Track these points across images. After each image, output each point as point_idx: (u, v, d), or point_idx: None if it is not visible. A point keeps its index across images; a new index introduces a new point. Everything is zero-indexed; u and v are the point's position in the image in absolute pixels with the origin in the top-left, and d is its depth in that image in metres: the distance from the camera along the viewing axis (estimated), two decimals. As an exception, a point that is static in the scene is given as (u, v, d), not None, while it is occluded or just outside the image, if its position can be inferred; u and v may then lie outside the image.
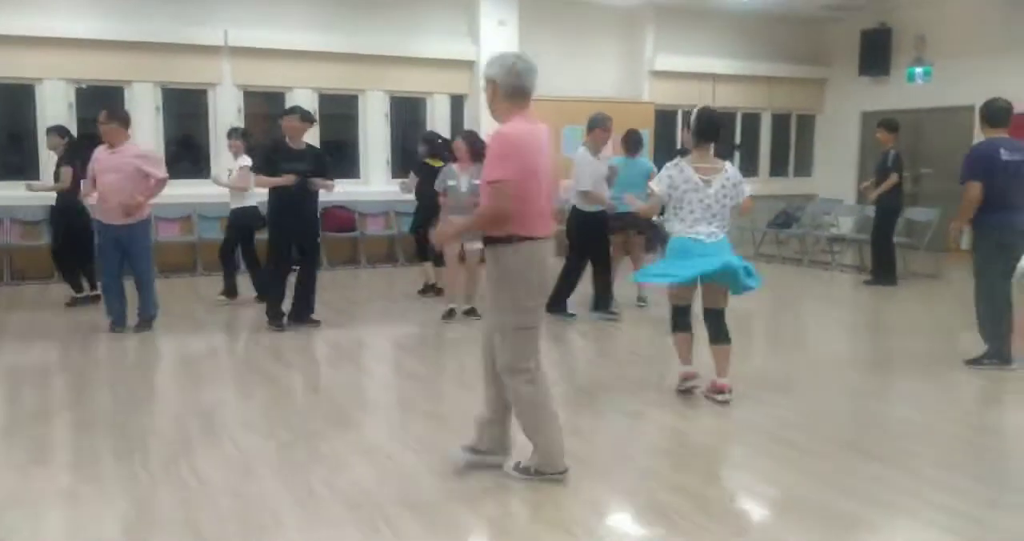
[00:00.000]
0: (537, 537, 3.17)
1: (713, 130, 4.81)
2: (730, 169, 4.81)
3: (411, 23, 10.89)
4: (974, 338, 5.77)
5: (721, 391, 4.79)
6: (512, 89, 3.54)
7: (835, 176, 13.50)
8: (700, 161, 4.77)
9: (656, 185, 4.79)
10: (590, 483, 3.65)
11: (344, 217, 10.63)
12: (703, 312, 4.87)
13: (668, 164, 4.83)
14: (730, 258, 4.62)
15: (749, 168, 13.78)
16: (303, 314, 6.96)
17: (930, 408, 4.90)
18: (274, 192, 6.76)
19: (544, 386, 3.57)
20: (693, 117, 4.81)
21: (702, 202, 4.67)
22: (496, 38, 11.14)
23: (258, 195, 7.59)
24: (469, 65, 11.27)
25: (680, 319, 4.96)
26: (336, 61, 10.56)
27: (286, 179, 6.59)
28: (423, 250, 8.39)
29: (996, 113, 5.64)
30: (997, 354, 5.60)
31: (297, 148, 6.79)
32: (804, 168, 14.25)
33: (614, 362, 6.19)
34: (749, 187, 4.91)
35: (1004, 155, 5.49)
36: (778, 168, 14.08)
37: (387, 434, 4.39)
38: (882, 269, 9.33)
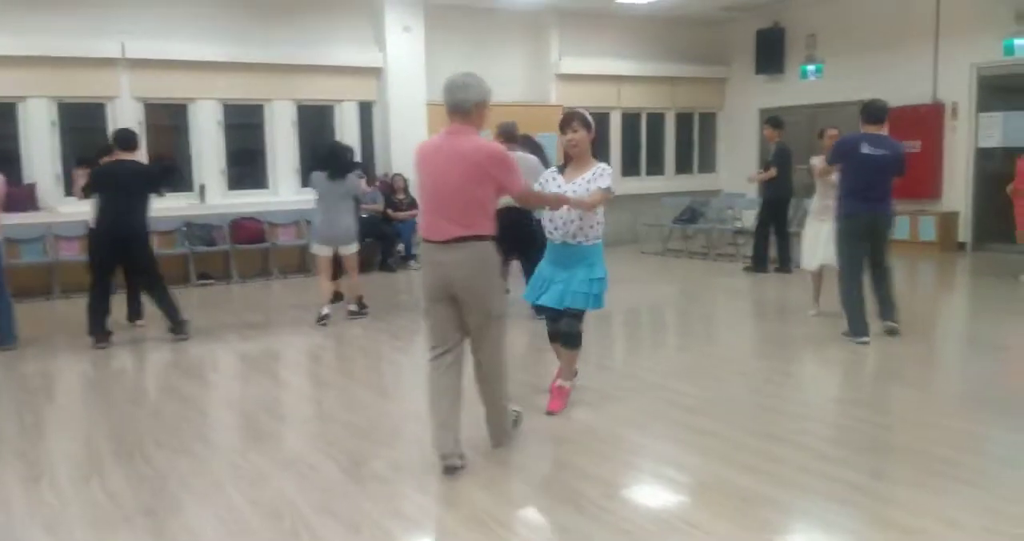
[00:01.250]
0: (456, 534, 3.25)
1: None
2: (598, 169, 4.52)
3: (316, 31, 10.83)
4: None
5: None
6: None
7: (737, 171, 13.90)
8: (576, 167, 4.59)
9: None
10: (504, 477, 3.75)
11: (253, 228, 10.49)
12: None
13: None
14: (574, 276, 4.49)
15: (655, 167, 14.16)
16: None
17: (815, 387, 5.18)
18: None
19: None
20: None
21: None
22: (402, 45, 11.20)
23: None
24: (376, 72, 11.27)
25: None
26: (240, 71, 10.42)
27: None
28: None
29: (870, 111, 6.23)
30: (853, 330, 6.17)
31: None
32: (708, 165, 14.68)
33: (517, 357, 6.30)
34: (608, 182, 4.46)
35: (865, 149, 6.09)
36: (683, 166, 14.47)
37: (307, 445, 4.39)
38: (764, 257, 10.01)
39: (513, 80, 12.27)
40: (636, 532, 3.20)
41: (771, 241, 10.03)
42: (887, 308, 6.34)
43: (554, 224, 4.54)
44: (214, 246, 10.29)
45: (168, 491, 3.71)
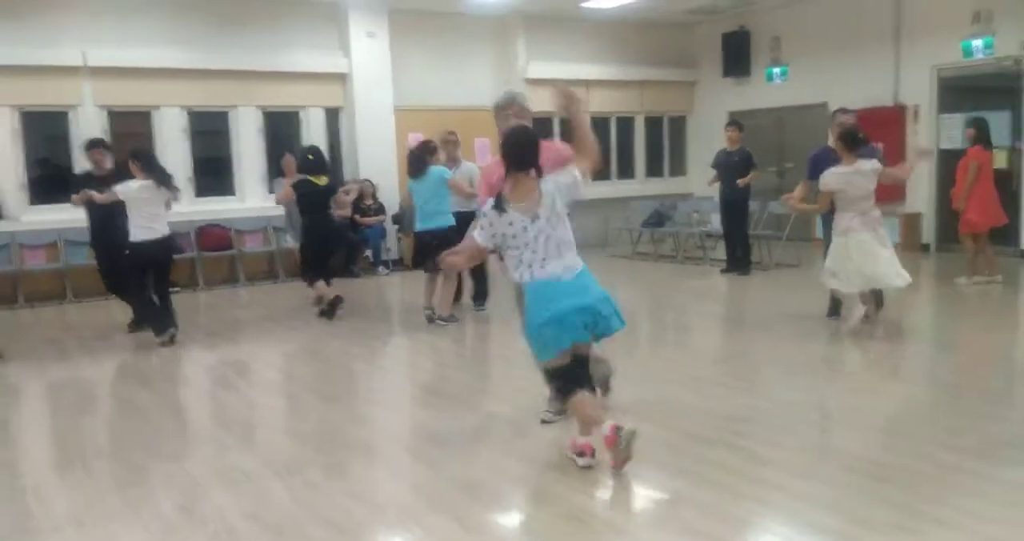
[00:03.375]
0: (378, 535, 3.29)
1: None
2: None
3: (280, 37, 10.85)
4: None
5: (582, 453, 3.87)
6: None
7: (708, 175, 14.02)
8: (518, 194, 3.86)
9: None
10: (462, 469, 3.80)
11: (219, 235, 10.50)
12: None
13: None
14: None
15: (626, 170, 14.23)
16: None
17: (766, 390, 5.24)
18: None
19: None
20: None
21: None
22: (367, 50, 11.24)
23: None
24: (342, 78, 11.30)
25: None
26: (204, 78, 10.43)
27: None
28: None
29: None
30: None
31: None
32: (679, 168, 14.76)
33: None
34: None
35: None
36: (654, 169, 14.54)
37: (249, 454, 4.41)
38: (744, 259, 10.04)
39: (480, 85, 12.29)
40: (544, 531, 3.24)
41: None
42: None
43: (542, 256, 3.87)
44: (180, 253, 10.26)
45: (102, 500, 3.73)
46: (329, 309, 7.89)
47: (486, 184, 4.51)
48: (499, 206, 3.82)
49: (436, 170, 7.52)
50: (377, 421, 4.85)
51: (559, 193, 3.86)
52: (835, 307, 6.81)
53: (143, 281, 7.05)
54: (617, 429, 3.69)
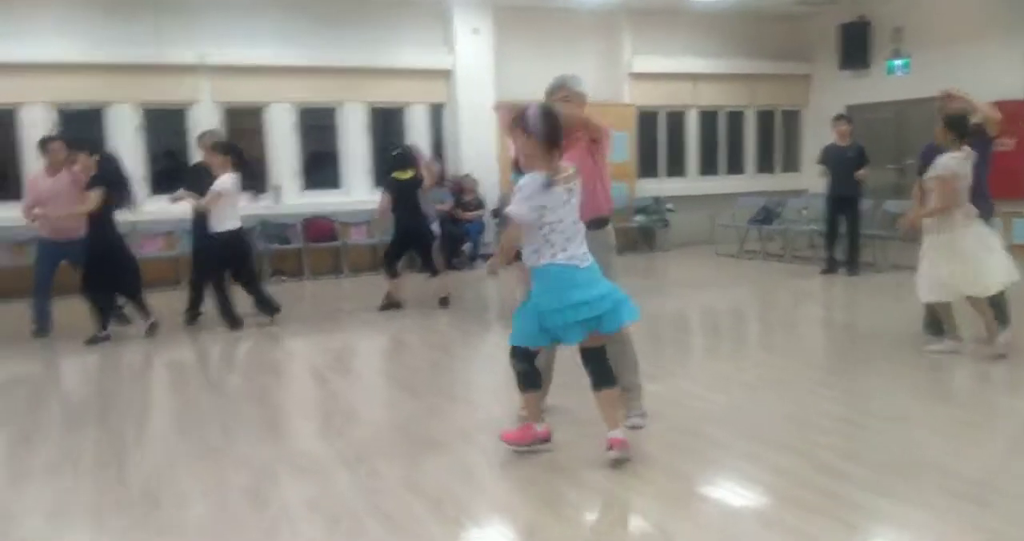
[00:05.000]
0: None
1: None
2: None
3: (386, 34, 11.06)
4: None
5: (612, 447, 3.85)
6: None
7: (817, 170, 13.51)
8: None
9: None
10: (481, 468, 3.76)
11: (325, 227, 10.81)
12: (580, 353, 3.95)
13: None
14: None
15: (734, 166, 13.84)
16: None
17: (857, 401, 4.97)
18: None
19: None
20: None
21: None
22: (471, 46, 11.32)
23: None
24: (446, 74, 11.42)
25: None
26: (313, 75, 10.75)
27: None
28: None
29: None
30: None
31: None
32: (791, 164, 14.24)
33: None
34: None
35: None
36: (765, 165, 14.09)
37: (322, 442, 4.49)
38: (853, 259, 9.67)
39: (585, 80, 12.04)
40: (607, 537, 3.16)
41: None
42: None
43: (580, 240, 3.79)
44: (288, 244, 10.65)
45: (177, 476, 3.88)
46: (388, 306, 8.12)
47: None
48: (548, 183, 3.66)
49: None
50: (452, 415, 4.85)
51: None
52: (935, 321, 6.05)
53: (224, 271, 7.33)
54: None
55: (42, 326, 7.24)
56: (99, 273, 6.88)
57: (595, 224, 4.14)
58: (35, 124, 9.57)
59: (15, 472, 4.07)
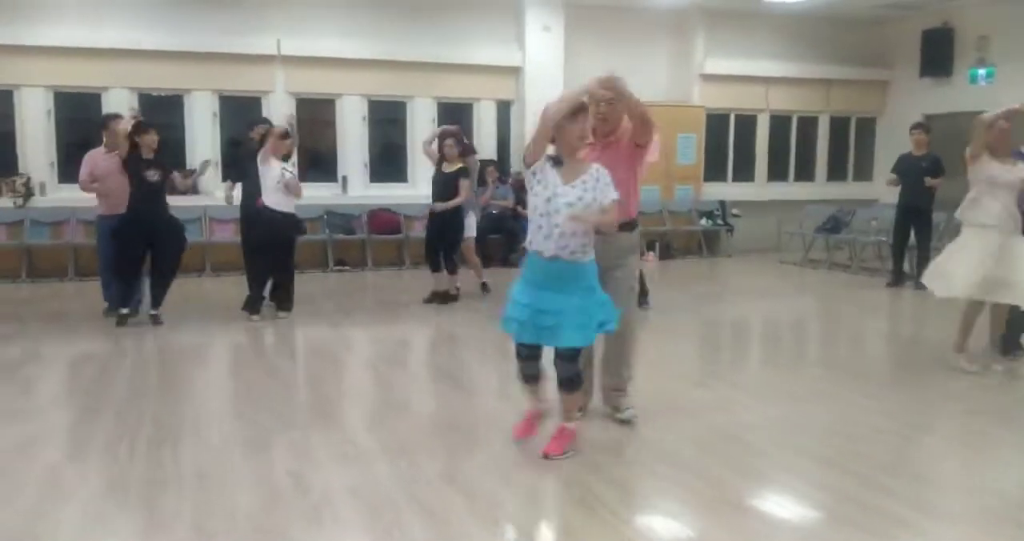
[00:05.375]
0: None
1: None
2: (596, 171, 3.85)
3: (458, 30, 11.16)
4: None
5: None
6: None
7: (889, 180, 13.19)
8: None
9: None
10: (531, 478, 3.80)
11: (389, 219, 10.97)
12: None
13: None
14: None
15: (805, 172, 13.59)
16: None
17: (902, 415, 4.86)
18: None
19: None
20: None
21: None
22: (542, 44, 11.35)
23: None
24: (515, 71, 11.47)
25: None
26: (384, 68, 10.92)
27: None
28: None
29: None
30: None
31: None
32: (864, 172, 13.91)
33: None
34: (615, 192, 3.85)
35: None
36: (837, 172, 13.80)
37: (367, 431, 4.59)
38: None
39: (654, 80, 12.14)
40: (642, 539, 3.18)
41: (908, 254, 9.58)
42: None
43: (545, 232, 3.76)
44: (352, 235, 10.84)
45: (227, 459, 4.01)
46: (432, 298, 8.23)
47: None
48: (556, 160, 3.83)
49: None
50: (497, 411, 4.91)
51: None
52: (1014, 335, 6.07)
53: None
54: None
55: (118, 303, 7.40)
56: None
57: (626, 227, 4.28)
58: (117, 108, 9.90)
59: (74, 449, 4.27)
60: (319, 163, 11.24)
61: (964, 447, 4.32)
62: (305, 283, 7.77)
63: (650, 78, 12.01)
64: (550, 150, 3.88)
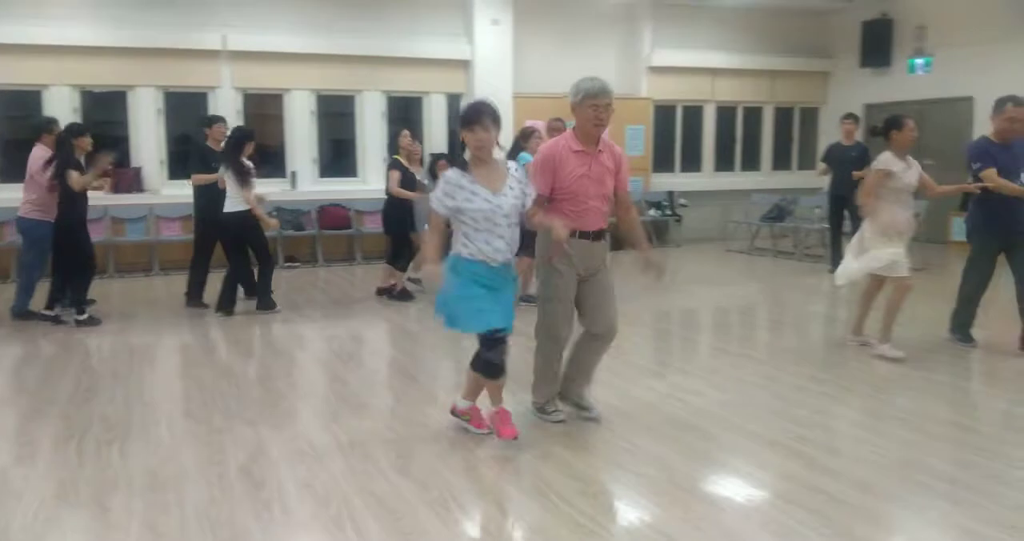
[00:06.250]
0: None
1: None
2: (513, 168, 4.09)
3: (406, 24, 11.14)
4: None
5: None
6: None
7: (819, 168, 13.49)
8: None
9: None
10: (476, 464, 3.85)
11: (339, 214, 10.92)
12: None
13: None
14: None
15: (750, 162, 13.82)
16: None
17: (845, 397, 5.02)
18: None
19: None
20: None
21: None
22: (491, 37, 11.37)
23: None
24: (464, 64, 11.48)
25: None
26: (333, 62, 10.85)
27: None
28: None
29: None
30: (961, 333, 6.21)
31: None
32: (808, 161, 14.16)
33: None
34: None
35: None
36: (782, 162, 14.06)
37: (321, 426, 4.60)
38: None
39: (602, 72, 12.03)
40: (597, 531, 3.24)
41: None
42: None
43: (496, 246, 3.92)
44: (302, 231, 10.77)
45: (179, 456, 4.00)
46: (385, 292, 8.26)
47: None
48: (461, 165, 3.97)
49: (523, 156, 7.56)
50: (448, 404, 4.95)
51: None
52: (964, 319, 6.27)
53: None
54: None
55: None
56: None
57: (603, 233, 4.53)
58: (58, 106, 9.73)
59: (22, 450, 4.22)
60: (268, 159, 11.12)
61: (901, 427, 4.47)
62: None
63: (599, 71, 11.68)
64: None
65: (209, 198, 7.55)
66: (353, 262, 10.93)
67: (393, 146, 8.41)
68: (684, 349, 6.76)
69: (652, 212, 12.40)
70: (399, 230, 8.30)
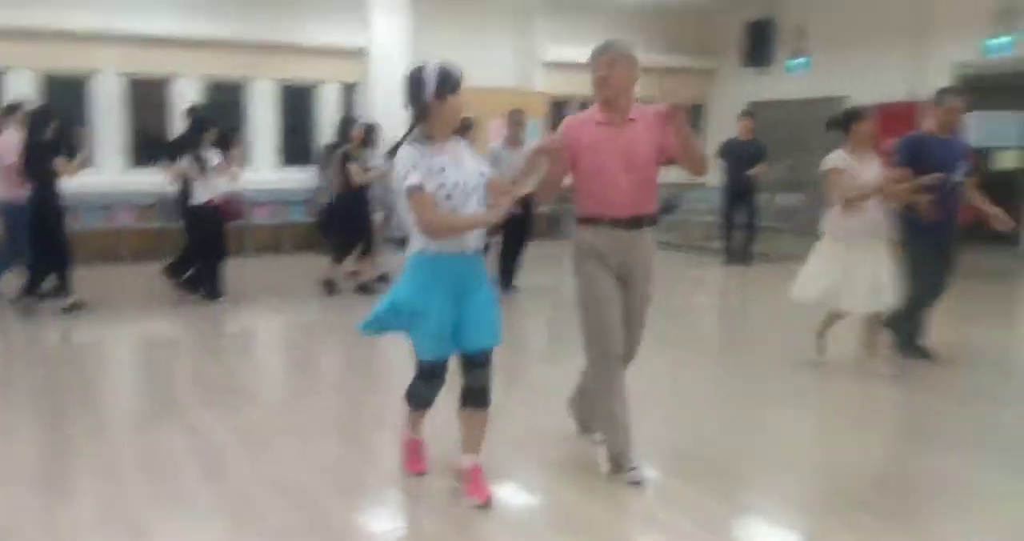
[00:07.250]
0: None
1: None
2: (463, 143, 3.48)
3: (300, 10, 10.94)
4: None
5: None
6: None
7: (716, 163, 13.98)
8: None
9: None
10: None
11: (234, 206, 10.63)
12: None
13: None
14: None
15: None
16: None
17: (716, 383, 5.29)
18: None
19: None
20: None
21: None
22: (388, 27, 11.28)
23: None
24: (360, 53, 11.37)
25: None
26: (222, 48, 10.57)
27: None
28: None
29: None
30: (907, 347, 5.59)
31: None
32: (696, 156, 14.66)
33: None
34: None
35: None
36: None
37: (220, 418, 4.54)
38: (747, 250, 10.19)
39: (499, 66, 12.32)
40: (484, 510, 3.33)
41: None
42: None
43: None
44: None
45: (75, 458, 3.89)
46: (331, 286, 8.04)
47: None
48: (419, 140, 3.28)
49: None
50: (381, 400, 4.91)
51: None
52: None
53: None
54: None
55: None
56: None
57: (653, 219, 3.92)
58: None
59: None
60: (156, 147, 10.74)
61: (781, 411, 4.74)
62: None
63: (495, 64, 12.20)
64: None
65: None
66: (245, 255, 10.66)
67: (343, 138, 8.18)
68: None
69: (547, 205, 12.59)
70: (355, 224, 8.07)
